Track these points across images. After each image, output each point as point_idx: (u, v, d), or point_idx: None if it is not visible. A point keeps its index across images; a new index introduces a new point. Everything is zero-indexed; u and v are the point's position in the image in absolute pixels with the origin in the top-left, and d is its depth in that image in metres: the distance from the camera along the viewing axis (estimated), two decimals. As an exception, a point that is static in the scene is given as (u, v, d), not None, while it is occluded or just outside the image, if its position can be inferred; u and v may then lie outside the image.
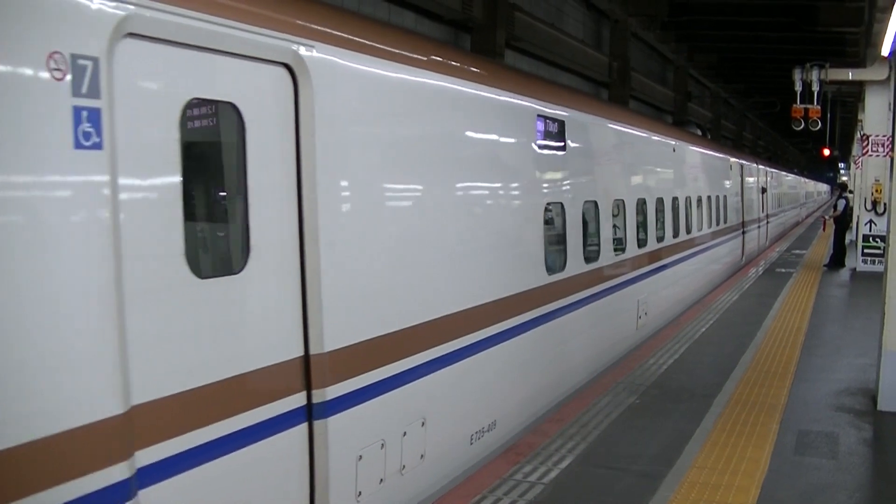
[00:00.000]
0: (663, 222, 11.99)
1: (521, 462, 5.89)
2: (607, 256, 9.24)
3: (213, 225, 4.16)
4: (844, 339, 10.57)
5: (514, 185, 6.96)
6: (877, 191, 17.26)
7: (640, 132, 11.25)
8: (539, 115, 7.34)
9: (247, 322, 3.92)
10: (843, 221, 19.94)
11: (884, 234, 11.08)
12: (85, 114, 3.01)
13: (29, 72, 2.85)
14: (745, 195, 20.57)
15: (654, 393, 7.84)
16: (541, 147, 7.37)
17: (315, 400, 4.25)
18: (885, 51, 12.25)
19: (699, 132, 18.99)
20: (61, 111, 2.93)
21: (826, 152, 33.53)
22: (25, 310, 2.87)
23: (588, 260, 8.52)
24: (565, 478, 5.63)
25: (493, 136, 6.61)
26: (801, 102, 19.51)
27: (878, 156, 17.08)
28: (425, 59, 5.57)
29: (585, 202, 8.49)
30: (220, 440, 3.69)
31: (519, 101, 7.04)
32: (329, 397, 4.31)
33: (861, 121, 19.86)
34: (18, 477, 2.84)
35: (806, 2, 18.30)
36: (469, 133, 6.19)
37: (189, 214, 3.61)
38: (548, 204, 7.51)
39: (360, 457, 4.59)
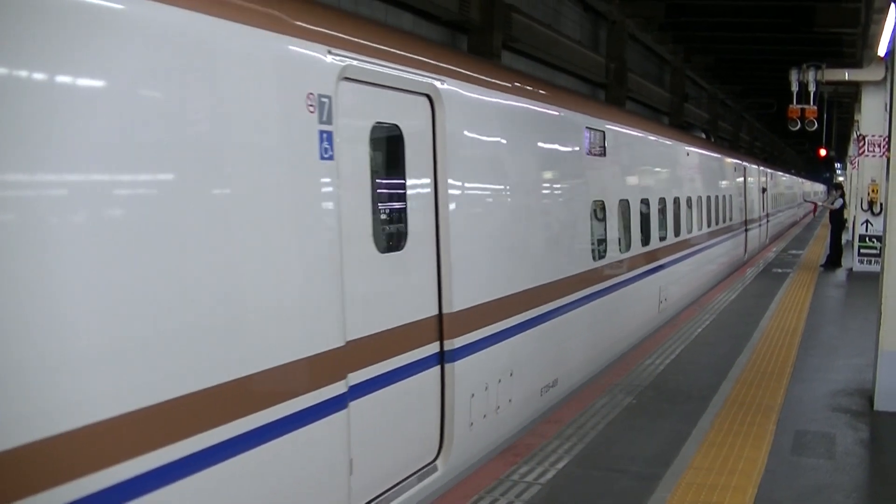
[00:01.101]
0: (679, 220, 13.25)
1: (519, 463, 5.90)
2: (636, 248, 10.62)
3: (387, 215, 5.31)
4: (841, 339, 10.59)
5: (573, 185, 8.50)
6: (873, 191, 17.30)
7: (661, 139, 12.81)
8: (587, 127, 8.84)
9: (407, 286, 5.30)
10: (839, 221, 19.97)
11: (880, 234, 11.10)
12: (325, 135, 4.33)
13: (297, 107, 4.18)
14: (747, 195, 21.72)
15: (650, 394, 7.85)
16: (588, 153, 8.85)
17: (446, 348, 5.63)
18: (882, 51, 12.29)
19: (703, 135, 20.15)
20: (313, 134, 4.27)
21: (822, 153, 33.57)
22: (301, 270, 4.23)
23: (622, 250, 9.98)
24: (562, 479, 5.63)
25: (558, 146, 8.11)
26: (797, 103, 19.53)
27: (874, 156, 17.12)
28: (510, 86, 7.06)
29: (620, 200, 9.91)
30: (395, 371, 5.04)
31: (573, 116, 8.55)
32: (455, 346, 5.69)
33: (857, 121, 19.88)
34: (297, 382, 4.17)
35: (802, 3, 18.32)
36: (542, 143, 7.66)
37: (373, 207, 4.97)
38: (594, 202, 8.94)
39: (473, 395, 5.96)
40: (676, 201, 13.10)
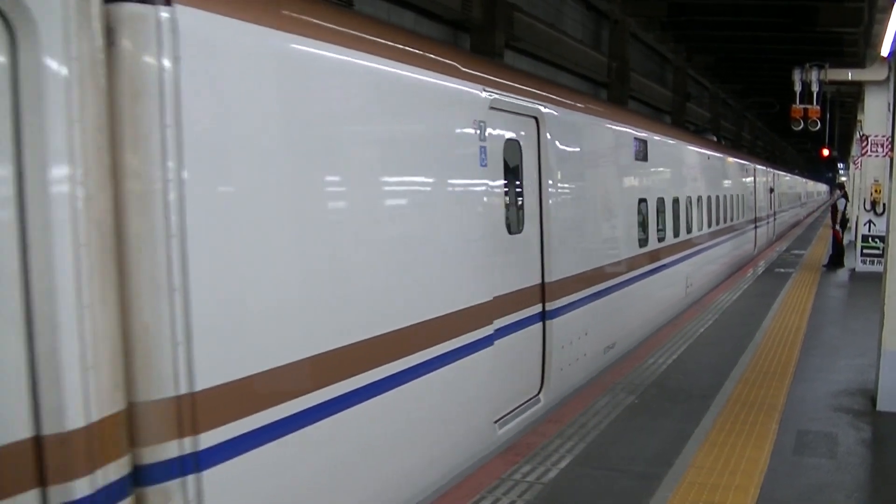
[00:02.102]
0: (700, 217, 14.95)
1: (520, 462, 5.89)
2: (670, 239, 12.40)
3: (512, 206, 6.94)
4: (843, 339, 10.56)
5: (627, 185, 10.40)
6: (876, 191, 17.27)
7: (688, 146, 14.74)
8: (634, 138, 10.63)
9: (524, 260, 7.03)
10: (841, 222, 19.95)
11: (883, 234, 11.09)
12: (482, 149, 6.12)
13: (470, 129, 6.00)
14: (757, 195, 23.65)
15: (652, 393, 7.84)
16: (635, 159, 10.61)
17: (547, 309, 7.31)
18: (885, 51, 12.27)
19: (714, 138, 22.28)
20: (477, 148, 6.06)
21: (825, 153, 33.51)
22: (470, 245, 6.00)
23: (659, 241, 11.70)
24: (564, 478, 5.62)
25: (616, 153, 10.01)
26: (800, 103, 19.52)
27: (877, 156, 17.09)
28: (584, 107, 9.02)
29: (658, 198, 11.70)
30: (520, 321, 6.81)
31: (625, 129, 10.43)
32: (553, 308, 7.39)
33: (860, 121, 19.87)
34: (469, 323, 5.89)
35: (805, 2, 18.29)
36: (605, 150, 9.61)
37: (505, 201, 6.64)
38: (639, 199, 10.69)
39: (563, 347, 7.66)
40: (699, 200, 14.83)
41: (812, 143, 43.83)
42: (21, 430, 2.95)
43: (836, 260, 19.24)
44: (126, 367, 3.33)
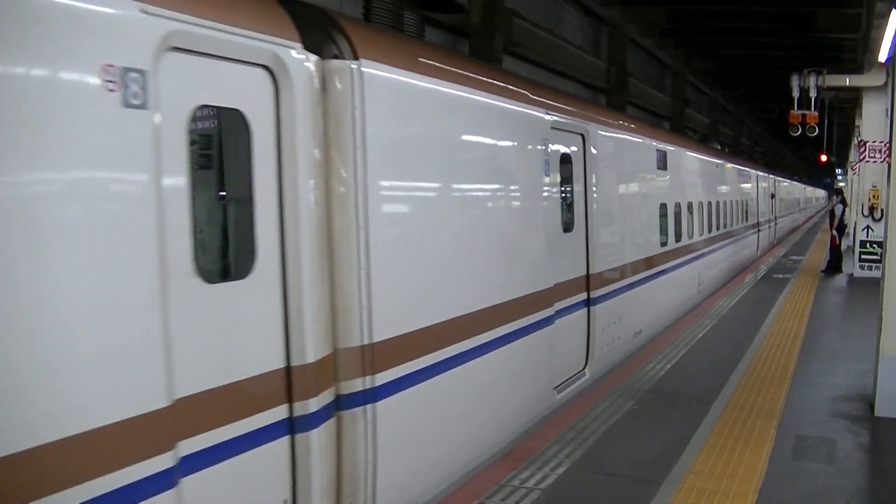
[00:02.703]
0: (710, 220, 16.30)
1: (519, 468, 5.89)
2: (685, 240, 13.81)
3: (565, 209, 8.22)
4: (842, 344, 10.58)
5: (652, 191, 11.84)
6: (874, 196, 17.30)
7: (699, 155, 16.25)
8: (657, 149, 12.11)
9: (574, 254, 8.38)
10: (839, 227, 19.98)
11: (881, 239, 11.09)
12: (546, 161, 7.52)
13: (539, 146, 7.39)
14: (759, 200, 25.10)
15: (651, 398, 7.85)
16: (657, 168, 12.07)
17: (591, 296, 8.69)
18: (883, 57, 12.29)
19: (718, 146, 23.57)
20: (543, 161, 7.47)
21: (823, 158, 33.57)
22: (539, 241, 7.35)
23: (676, 241, 13.05)
24: (562, 484, 5.63)
25: (644, 163, 11.52)
26: (798, 108, 19.55)
27: (875, 161, 17.10)
28: (619, 123, 10.63)
29: (675, 203, 13.10)
30: (572, 305, 8.20)
31: (650, 141, 11.95)
32: (596, 296, 8.77)
33: (858, 126, 19.89)
34: (531, 306, 7.06)
35: (803, 8, 18.32)
36: (635, 160, 11.10)
37: (561, 205, 8.03)
38: (660, 204, 12.11)
39: (602, 329, 8.95)
40: (710, 205, 16.31)
41: (810, 149, 43.90)
42: (278, 362, 4.25)
43: (834, 265, 19.26)
44: (332, 322, 4.60)
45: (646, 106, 24.20)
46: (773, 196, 29.06)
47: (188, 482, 3.59)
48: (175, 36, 3.51)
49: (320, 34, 4.69)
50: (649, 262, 11.25)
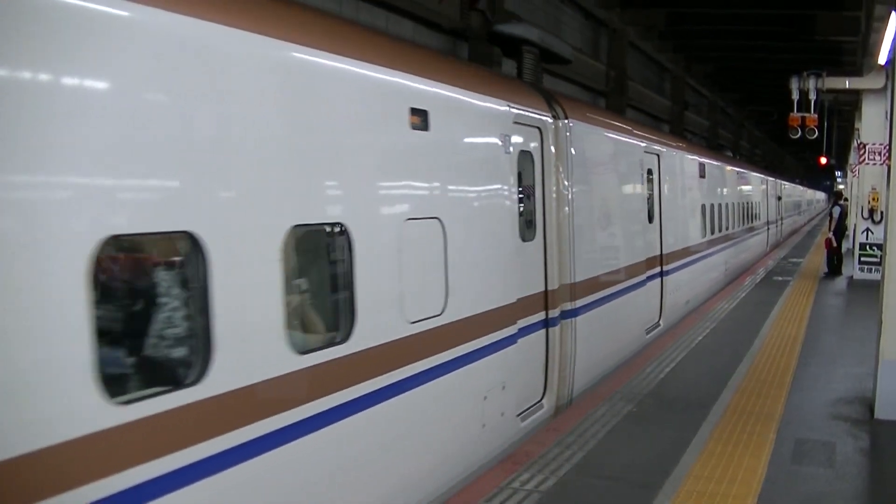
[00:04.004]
0: (733, 218, 19.42)
1: (519, 470, 5.89)
2: (716, 233, 16.88)
3: (648, 203, 11.48)
4: (841, 348, 10.57)
5: (697, 194, 15.22)
6: (873, 199, 17.30)
7: (725, 164, 19.93)
8: (698, 162, 15.42)
9: (652, 237, 11.48)
10: (839, 230, 19.97)
11: (880, 242, 11.10)
12: (642, 176, 11.13)
13: (639, 167, 11.05)
14: (768, 202, 28.46)
15: (651, 402, 7.84)
16: (699, 177, 15.35)
17: (664, 271, 11.90)
18: (882, 59, 12.29)
19: (729, 153, 29.61)
20: (643, 175, 11.19)
21: (823, 161, 33.58)
22: (634, 227, 10.97)
23: (710, 234, 16.09)
24: (562, 487, 5.63)
25: (693, 174, 14.82)
26: (798, 111, 19.55)
27: (874, 164, 17.10)
28: (677, 144, 13.98)
29: (711, 204, 16.35)
30: (652, 276, 11.33)
31: (694, 156, 15.31)
32: (666, 269, 11.96)
33: (858, 129, 19.88)
34: (632, 274, 10.51)
35: (803, 11, 18.35)
36: (688, 172, 14.38)
37: (647, 201, 11.58)
38: (701, 204, 15.42)
39: (668, 295, 12.11)
40: (734, 206, 19.75)
41: (810, 152, 43.94)
42: (541, 287, 7.56)
43: (832, 268, 19.29)
44: (559, 271, 7.87)
45: (645, 109, 24.21)
46: (779, 198, 32.25)
47: (520, 340, 6.91)
48: (516, 117, 7.02)
49: (554, 107, 8.09)
50: (697, 248, 14.80)
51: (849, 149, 31.92)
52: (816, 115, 19.49)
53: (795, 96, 19.19)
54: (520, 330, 6.82)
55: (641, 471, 5.96)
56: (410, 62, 5.49)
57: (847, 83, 18.10)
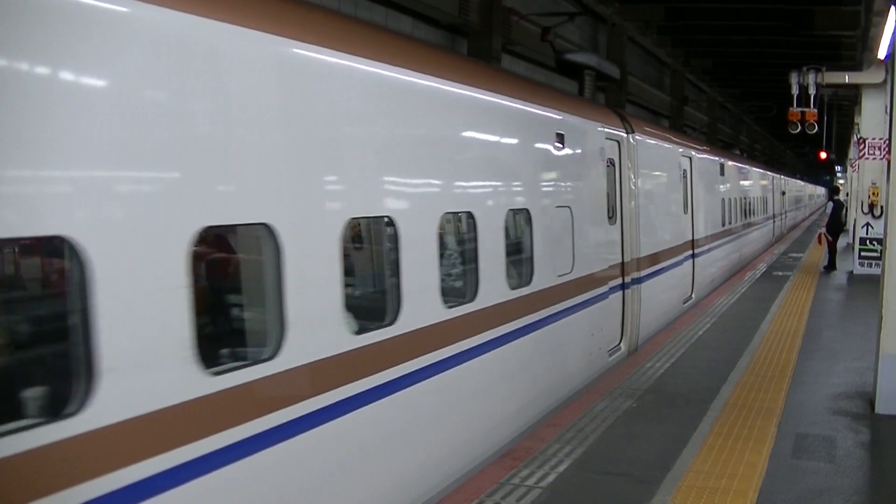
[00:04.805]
0: (748, 210, 22.60)
1: (519, 466, 5.88)
2: (734, 224, 19.54)
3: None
4: (841, 342, 10.56)
5: (721, 190, 17.93)
6: (873, 194, 17.28)
7: (742, 164, 23.38)
8: (720, 164, 17.96)
9: (684, 227, 14.08)
10: (836, 225, 19.97)
11: (880, 236, 11.08)
12: (685, 174, 14.34)
13: (681, 170, 13.94)
14: (774, 196, 31.17)
15: (651, 397, 7.83)
16: (720, 175, 17.81)
17: (695, 253, 14.58)
18: (882, 54, 12.27)
19: (738, 152, 32.28)
20: (680, 171, 14.15)
21: (823, 156, 33.54)
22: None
23: (730, 223, 18.87)
24: (562, 483, 5.61)
25: (718, 176, 17.50)
26: (797, 106, 19.52)
27: (874, 159, 17.09)
28: (707, 148, 17.74)
29: (730, 198, 19.09)
30: (687, 256, 14.08)
31: (719, 159, 17.91)
32: (697, 255, 14.66)
33: (857, 124, 19.86)
34: (682, 251, 13.85)
35: (802, 6, 18.32)
36: (716, 173, 17.33)
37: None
38: (729, 197, 18.78)
39: (700, 271, 15.01)
40: (753, 200, 23.76)
41: (810, 147, 43.85)
42: (619, 259, 10.01)
43: (829, 262, 19.33)
44: (630, 248, 10.37)
45: (644, 104, 24.18)
46: (783, 193, 35.50)
47: (610, 296, 9.38)
48: (607, 135, 9.55)
49: (626, 124, 10.59)
50: (720, 235, 17.45)
51: (848, 144, 31.91)
52: (816, 110, 19.46)
53: (795, 91, 19.17)
54: (609, 289, 9.47)
55: (641, 466, 5.95)
56: (557, 102, 8.35)
57: (847, 78, 18.08)
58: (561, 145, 8.07)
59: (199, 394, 3.57)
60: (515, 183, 7.14)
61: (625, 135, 10.37)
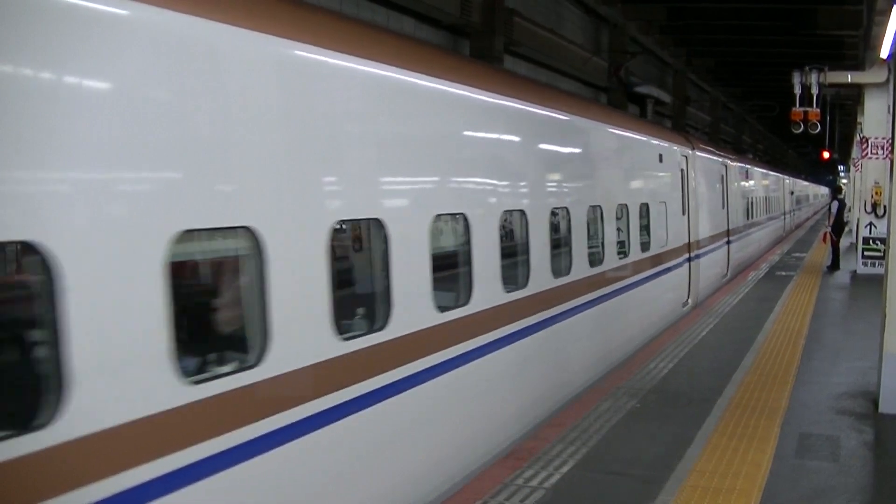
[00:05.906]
0: (766, 207, 26.58)
1: (522, 467, 5.88)
2: (757, 217, 23.57)
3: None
4: (845, 342, 10.55)
5: (746, 190, 21.85)
6: (876, 193, 17.26)
7: (758, 168, 26.47)
8: (740, 169, 20.92)
9: (721, 220, 17.69)
10: (838, 224, 19.95)
11: (884, 236, 11.08)
12: (722, 185, 18.19)
13: (719, 176, 17.66)
14: (784, 195, 34.66)
15: (654, 397, 7.83)
16: (746, 177, 22.00)
17: (730, 241, 18.34)
18: (884, 53, 12.26)
19: (750, 155, 35.09)
20: (720, 183, 18.01)
21: (825, 155, 33.51)
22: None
23: (754, 217, 22.91)
24: (566, 483, 5.62)
25: (743, 176, 21.51)
26: (800, 105, 19.50)
27: (877, 158, 17.07)
28: (734, 156, 21.41)
29: (753, 197, 22.89)
30: (724, 242, 17.95)
31: (740, 165, 21.24)
32: (730, 242, 18.48)
33: (860, 123, 19.84)
34: (718, 240, 17.48)
35: (804, 5, 18.31)
36: (742, 178, 21.34)
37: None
38: (752, 196, 23.01)
39: (733, 255, 18.88)
40: (765, 199, 26.66)
41: (812, 146, 43.82)
42: (686, 240, 13.93)
43: (833, 262, 19.31)
44: (692, 233, 14.38)
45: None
46: (792, 193, 39.35)
47: (684, 265, 13.71)
48: (681, 152, 13.70)
49: (690, 143, 14.66)
50: (746, 227, 21.01)
51: (851, 143, 31.90)
52: (818, 110, 19.43)
53: (797, 90, 19.14)
54: (684, 259, 13.47)
55: (645, 466, 5.95)
56: (657, 133, 12.72)
57: (849, 77, 18.05)
58: (660, 161, 12.42)
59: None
60: (636, 184, 11.22)
61: (690, 151, 14.36)
